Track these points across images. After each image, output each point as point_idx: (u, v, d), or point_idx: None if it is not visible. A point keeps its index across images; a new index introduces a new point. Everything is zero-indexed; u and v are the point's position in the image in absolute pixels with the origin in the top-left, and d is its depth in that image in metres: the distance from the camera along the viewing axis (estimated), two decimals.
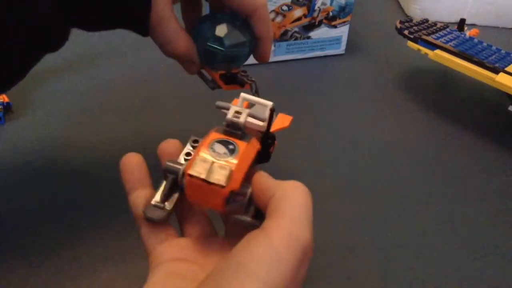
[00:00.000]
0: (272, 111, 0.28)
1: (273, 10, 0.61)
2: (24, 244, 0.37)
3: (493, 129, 0.55)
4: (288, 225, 0.22)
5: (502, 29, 0.82)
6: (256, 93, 0.37)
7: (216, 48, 0.34)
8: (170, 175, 0.27)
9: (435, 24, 0.62)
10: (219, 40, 0.34)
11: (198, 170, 0.24)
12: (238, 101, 0.30)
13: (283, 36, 0.64)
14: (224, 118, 0.27)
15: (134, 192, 0.28)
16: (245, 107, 0.30)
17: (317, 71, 0.65)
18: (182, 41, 0.34)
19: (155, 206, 0.27)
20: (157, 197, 0.27)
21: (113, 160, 0.47)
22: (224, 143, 0.26)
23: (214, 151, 0.25)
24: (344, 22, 0.67)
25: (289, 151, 0.49)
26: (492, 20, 0.82)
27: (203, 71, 0.37)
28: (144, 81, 0.60)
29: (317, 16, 0.64)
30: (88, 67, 0.62)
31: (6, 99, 0.52)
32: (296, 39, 0.65)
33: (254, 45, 0.36)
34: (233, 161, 0.25)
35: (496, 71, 0.51)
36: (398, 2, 0.89)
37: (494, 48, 0.58)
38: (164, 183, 0.28)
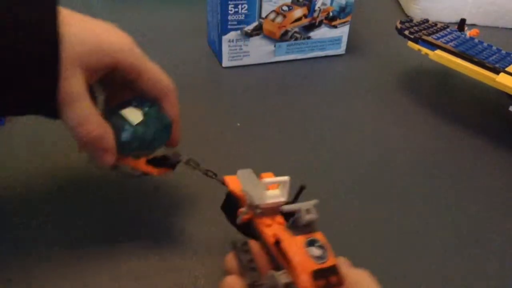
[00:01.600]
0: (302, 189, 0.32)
1: (273, 10, 0.61)
2: (24, 239, 0.37)
3: (493, 129, 0.55)
4: None
5: (503, 29, 0.82)
6: (197, 168, 0.37)
7: (134, 135, 0.33)
8: None
9: (435, 24, 0.62)
10: (136, 127, 0.33)
11: None
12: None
13: (283, 36, 0.64)
14: (295, 219, 0.29)
15: None
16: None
17: (317, 71, 0.65)
18: (95, 123, 0.31)
19: None
20: None
21: None
22: (311, 242, 0.28)
23: (313, 256, 0.27)
24: (344, 22, 0.67)
25: (289, 151, 0.49)
26: (492, 20, 0.82)
27: (121, 164, 0.35)
28: None
29: (317, 16, 0.64)
30: None
31: None
32: (296, 39, 0.65)
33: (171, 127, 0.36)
34: (331, 259, 0.27)
35: (496, 71, 0.51)
36: (398, 2, 0.89)
37: (494, 48, 0.58)
38: None
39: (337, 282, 0.27)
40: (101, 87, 0.37)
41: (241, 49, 0.63)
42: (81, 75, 0.30)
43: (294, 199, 0.32)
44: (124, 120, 0.33)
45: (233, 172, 0.45)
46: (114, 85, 0.36)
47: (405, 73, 0.66)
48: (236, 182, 0.33)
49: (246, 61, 0.64)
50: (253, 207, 0.30)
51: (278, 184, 0.32)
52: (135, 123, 0.33)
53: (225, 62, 0.63)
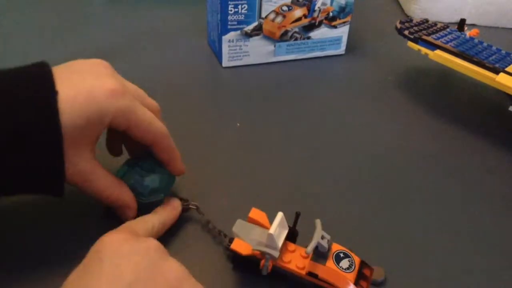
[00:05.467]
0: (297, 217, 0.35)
1: (273, 11, 0.61)
2: (21, 240, 0.37)
3: (493, 129, 0.55)
4: None
5: (503, 29, 0.82)
6: (201, 214, 0.40)
7: (153, 198, 0.37)
8: None
9: (435, 24, 0.62)
10: (155, 191, 0.37)
11: None
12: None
13: (283, 37, 0.64)
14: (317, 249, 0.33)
15: None
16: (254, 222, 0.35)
17: (317, 71, 0.65)
18: (111, 189, 0.35)
19: None
20: None
21: (114, 160, 0.47)
22: (337, 259, 0.33)
23: (345, 268, 0.33)
24: (344, 22, 0.67)
25: (289, 150, 0.49)
26: (492, 20, 0.82)
27: None
28: (147, 79, 0.60)
29: (317, 16, 0.64)
30: None
31: None
32: (296, 39, 0.65)
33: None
34: (355, 258, 0.34)
35: (496, 71, 0.51)
36: (398, 2, 0.89)
37: (494, 48, 0.58)
38: None
39: (369, 270, 0.34)
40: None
41: (241, 49, 0.63)
42: (84, 149, 0.32)
43: (293, 225, 0.34)
44: (143, 187, 0.37)
45: (233, 172, 0.46)
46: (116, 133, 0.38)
47: (405, 73, 0.66)
48: (242, 245, 0.34)
49: (246, 61, 0.64)
50: (273, 257, 0.32)
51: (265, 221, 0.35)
52: (154, 188, 0.37)
53: (225, 62, 0.63)
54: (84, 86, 0.32)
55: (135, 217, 0.36)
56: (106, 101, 0.32)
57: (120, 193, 0.35)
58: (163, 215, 0.37)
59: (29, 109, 0.30)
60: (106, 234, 0.30)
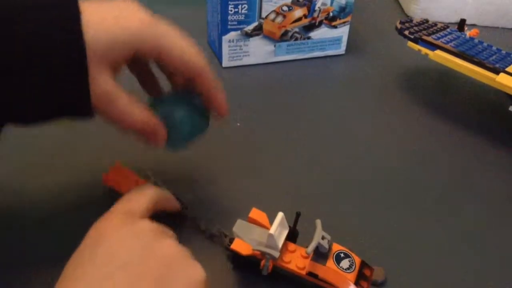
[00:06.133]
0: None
1: (273, 11, 0.61)
2: (26, 246, 0.37)
3: (493, 129, 0.55)
4: None
5: (502, 29, 0.82)
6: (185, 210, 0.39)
7: (178, 143, 0.36)
8: None
9: (435, 24, 0.62)
10: (183, 129, 0.35)
11: None
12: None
13: (283, 37, 0.64)
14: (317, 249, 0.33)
15: None
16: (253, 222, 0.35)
17: (317, 71, 0.65)
18: (138, 113, 0.32)
19: None
20: None
21: (115, 157, 0.47)
22: (338, 259, 0.33)
23: (346, 269, 0.33)
24: (344, 22, 0.67)
25: (288, 151, 0.49)
26: (492, 20, 0.82)
27: None
28: None
29: (318, 16, 0.64)
30: None
31: None
32: (296, 39, 0.65)
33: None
34: (356, 258, 0.34)
35: (496, 71, 0.51)
36: (398, 2, 0.89)
37: (494, 48, 0.58)
38: None
39: (370, 270, 0.34)
40: (134, 74, 0.38)
41: (241, 49, 0.63)
42: (108, 71, 0.30)
43: (294, 225, 0.35)
44: (168, 107, 0.34)
45: (234, 172, 0.46)
46: (145, 69, 0.37)
47: (405, 73, 0.66)
48: (243, 245, 0.34)
49: (246, 61, 0.64)
50: (273, 257, 0.32)
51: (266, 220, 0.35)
52: (177, 112, 0.34)
53: (225, 62, 0.63)
54: (113, 12, 0.30)
55: (162, 145, 0.34)
56: (134, 25, 0.31)
57: (146, 116, 0.32)
58: (158, 193, 0.35)
59: (53, 28, 0.28)
60: (99, 219, 0.29)
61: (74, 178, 0.44)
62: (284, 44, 0.65)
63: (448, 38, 0.58)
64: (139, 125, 0.32)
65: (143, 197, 0.33)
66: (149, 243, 0.28)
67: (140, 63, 0.37)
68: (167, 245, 0.28)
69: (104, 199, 0.41)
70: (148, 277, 0.26)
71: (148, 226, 0.29)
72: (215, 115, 0.37)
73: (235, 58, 0.63)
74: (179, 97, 0.35)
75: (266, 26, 0.62)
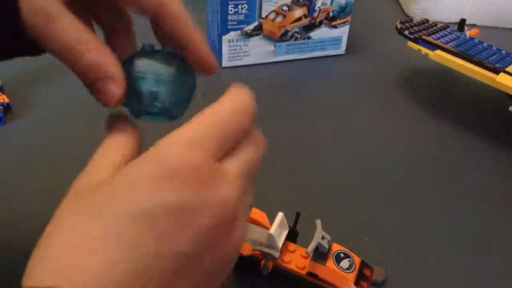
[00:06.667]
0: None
1: (273, 10, 0.61)
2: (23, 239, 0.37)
3: (493, 129, 0.55)
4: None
5: (502, 29, 0.82)
6: None
7: (153, 108, 0.25)
8: None
9: (435, 24, 0.62)
10: (160, 91, 0.25)
11: None
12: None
13: (283, 37, 0.64)
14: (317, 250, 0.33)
15: None
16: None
17: (317, 71, 0.65)
18: (87, 43, 0.23)
19: None
20: None
21: None
22: (337, 260, 0.33)
23: (346, 269, 0.33)
24: (344, 22, 0.67)
25: (288, 151, 0.49)
26: (492, 20, 0.82)
27: None
28: None
29: (317, 16, 0.64)
30: None
31: (6, 100, 0.51)
32: (296, 39, 0.65)
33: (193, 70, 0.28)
34: (356, 258, 0.34)
35: (496, 71, 0.51)
36: (398, 2, 0.89)
37: (494, 48, 0.58)
38: None
39: (370, 271, 0.34)
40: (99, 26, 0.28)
41: (241, 49, 0.63)
42: None
43: (294, 225, 0.35)
44: (142, 68, 0.25)
45: None
46: (110, 19, 0.28)
47: (405, 73, 0.66)
48: (243, 245, 0.34)
49: (246, 61, 0.64)
50: (273, 257, 0.32)
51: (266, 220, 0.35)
52: (158, 72, 0.25)
53: (225, 62, 0.63)
54: None
55: (121, 101, 0.24)
56: None
57: (99, 51, 0.23)
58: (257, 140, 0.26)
59: None
60: (168, 144, 0.21)
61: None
62: (284, 44, 0.65)
63: (448, 38, 0.58)
64: (87, 66, 0.23)
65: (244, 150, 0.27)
66: (227, 228, 0.22)
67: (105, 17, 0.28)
68: (240, 234, 0.23)
69: None
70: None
71: (233, 197, 0.22)
72: (200, 72, 0.30)
73: (235, 58, 0.63)
74: (157, 52, 0.26)
75: (266, 26, 0.62)
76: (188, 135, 0.21)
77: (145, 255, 0.18)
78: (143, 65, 0.25)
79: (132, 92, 0.24)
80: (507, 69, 0.51)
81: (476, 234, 0.41)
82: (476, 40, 0.59)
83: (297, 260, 0.33)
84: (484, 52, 0.56)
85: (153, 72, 0.25)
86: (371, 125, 0.55)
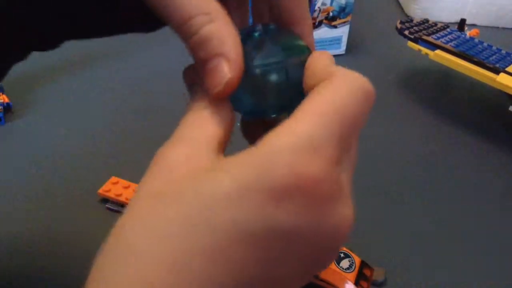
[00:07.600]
0: None
1: None
2: (22, 245, 0.37)
3: (493, 129, 0.55)
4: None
5: (503, 29, 0.82)
6: None
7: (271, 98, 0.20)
8: None
9: (435, 24, 0.62)
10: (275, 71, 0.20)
11: None
12: None
13: None
14: None
15: None
16: None
17: None
18: (210, 12, 0.19)
19: None
20: None
21: (114, 159, 0.47)
22: (338, 259, 0.33)
23: (346, 269, 0.33)
24: (344, 22, 0.67)
25: None
26: (493, 20, 0.82)
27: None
28: (146, 81, 0.60)
29: (317, 16, 0.64)
30: (89, 68, 0.62)
31: (6, 100, 0.51)
32: None
33: None
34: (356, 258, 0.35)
35: (496, 71, 0.51)
36: (398, 2, 0.89)
37: (494, 48, 0.58)
38: None
39: (370, 271, 0.34)
40: None
41: None
42: None
43: None
44: (266, 54, 0.20)
45: None
46: None
47: (405, 73, 0.66)
48: None
49: None
50: None
51: None
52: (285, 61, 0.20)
53: None
54: None
55: (232, 88, 0.19)
56: None
57: (220, 25, 0.19)
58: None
59: None
60: (285, 149, 0.16)
61: (69, 190, 0.44)
62: None
63: (448, 38, 0.58)
64: (202, 40, 0.19)
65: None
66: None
67: None
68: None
69: (98, 211, 0.41)
70: None
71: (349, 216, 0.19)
72: None
73: None
74: (273, 34, 0.21)
75: None
76: (309, 134, 0.16)
77: (248, 278, 0.16)
78: (269, 49, 0.20)
79: (249, 83, 0.19)
80: (507, 69, 0.51)
81: (476, 234, 0.41)
82: (476, 40, 0.59)
83: None
84: (484, 52, 0.56)
85: (279, 61, 0.20)
86: (371, 125, 0.55)
